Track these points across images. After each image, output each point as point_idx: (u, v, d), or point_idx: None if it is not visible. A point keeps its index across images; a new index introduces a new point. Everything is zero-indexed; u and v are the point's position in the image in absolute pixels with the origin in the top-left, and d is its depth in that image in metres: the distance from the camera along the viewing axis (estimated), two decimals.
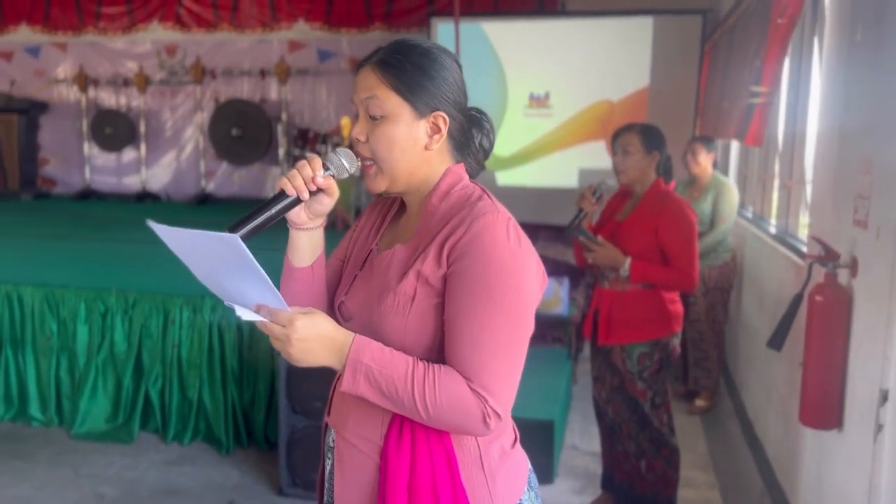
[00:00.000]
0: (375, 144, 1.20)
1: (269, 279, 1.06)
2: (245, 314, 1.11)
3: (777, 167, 3.96)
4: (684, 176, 4.31)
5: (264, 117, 8.60)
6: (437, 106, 1.21)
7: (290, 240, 1.28)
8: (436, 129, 1.22)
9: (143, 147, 9.05)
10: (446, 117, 1.22)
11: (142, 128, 9.02)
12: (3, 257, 4.74)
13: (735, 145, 5.13)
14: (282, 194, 1.18)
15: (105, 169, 9.32)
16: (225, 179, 8.96)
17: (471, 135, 1.29)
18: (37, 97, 9.27)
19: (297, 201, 1.19)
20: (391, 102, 1.19)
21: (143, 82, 8.90)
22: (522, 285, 1.14)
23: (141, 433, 3.78)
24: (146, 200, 8.87)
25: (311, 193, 1.19)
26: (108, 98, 9.20)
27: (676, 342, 2.83)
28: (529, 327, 1.17)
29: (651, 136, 2.78)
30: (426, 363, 1.13)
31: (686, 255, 2.68)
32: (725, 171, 5.14)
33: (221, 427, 3.63)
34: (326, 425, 1.35)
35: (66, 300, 3.80)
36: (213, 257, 1.10)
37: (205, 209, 8.25)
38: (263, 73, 8.61)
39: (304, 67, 8.48)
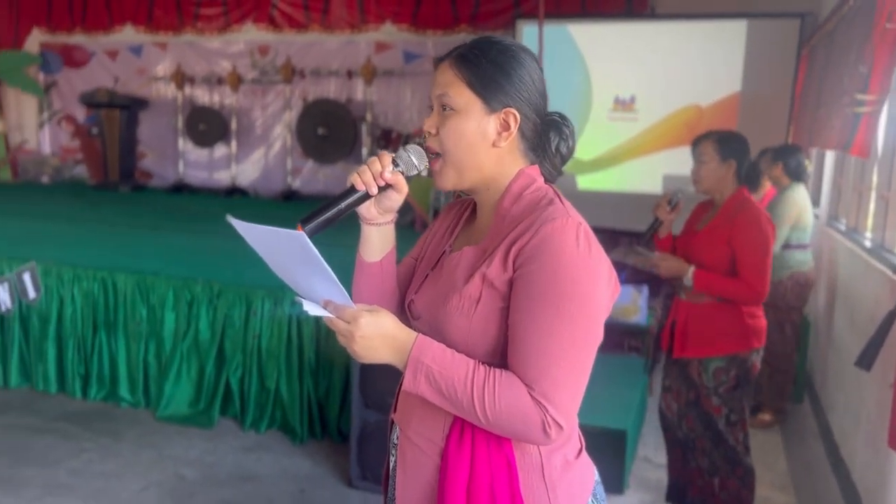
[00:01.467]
0: (444, 137, 1.21)
1: (334, 275, 1.08)
2: (312, 309, 1.13)
3: (875, 177, 3.76)
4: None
5: (350, 117, 8.77)
6: (508, 103, 1.20)
7: (361, 234, 1.30)
8: (505, 126, 1.21)
9: (233, 144, 9.38)
10: (517, 115, 1.21)
11: (233, 125, 9.34)
12: (101, 245, 5.00)
13: (830, 154, 4.90)
14: (352, 189, 1.20)
15: (197, 164, 9.71)
16: (310, 177, 9.18)
17: (547, 138, 1.27)
18: (138, 94, 9.73)
19: (367, 196, 1.21)
20: (463, 97, 1.20)
21: (236, 81, 9.21)
22: (591, 294, 1.11)
23: (220, 419, 3.91)
24: (235, 195, 9.18)
25: (380, 189, 1.21)
26: (203, 96, 9.57)
27: (756, 359, 2.72)
28: (597, 337, 1.14)
29: (728, 144, 2.70)
30: (487, 367, 1.13)
31: (754, 267, 2.59)
32: (819, 181, 4.91)
33: (297, 417, 3.72)
34: (392, 422, 1.36)
35: (156, 288, 3.98)
36: (285, 252, 1.13)
37: (290, 205, 8.47)
38: (350, 74, 8.77)
39: (390, 68, 8.59)
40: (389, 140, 7.95)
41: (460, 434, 1.17)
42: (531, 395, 1.09)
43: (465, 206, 1.38)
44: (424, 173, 1.26)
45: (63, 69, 10.12)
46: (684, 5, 6.58)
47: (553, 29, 6.39)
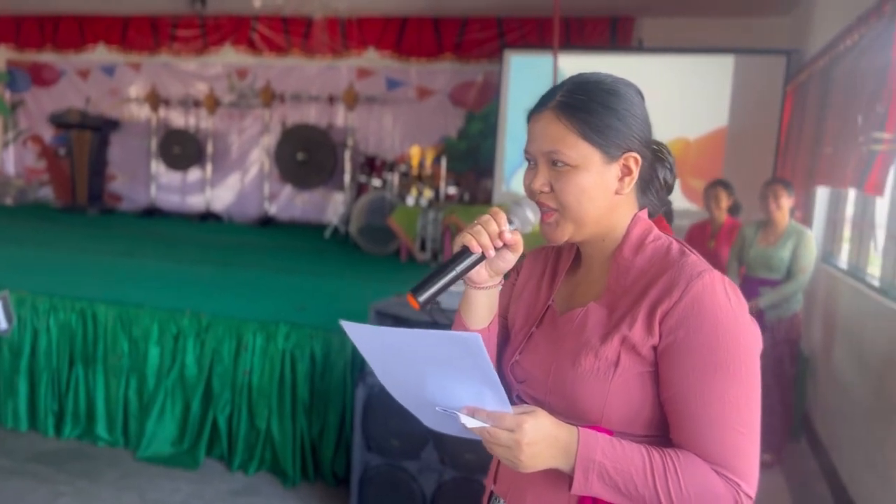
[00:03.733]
0: (563, 195, 1.09)
1: (497, 379, 0.97)
2: (468, 421, 1.00)
3: (882, 216, 3.75)
4: (753, 216, 4.14)
5: (330, 143, 8.64)
6: (628, 146, 1.09)
7: (465, 299, 1.16)
8: (627, 171, 1.10)
9: (208, 167, 9.17)
10: (638, 157, 1.10)
11: (209, 148, 9.14)
12: (77, 273, 4.77)
13: (822, 191, 4.92)
14: (465, 251, 1.08)
15: (170, 187, 9.47)
16: (287, 203, 9.01)
17: (655, 171, 1.17)
18: (110, 115, 9.49)
19: (481, 259, 1.09)
20: (579, 150, 1.07)
21: (213, 104, 9.04)
22: (752, 349, 1.02)
23: (206, 460, 3.70)
24: (209, 220, 8.96)
25: (496, 250, 1.09)
26: (178, 118, 9.37)
27: None
28: (760, 393, 1.04)
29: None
30: (661, 450, 1.01)
31: None
32: (810, 217, 4.92)
33: (289, 459, 3.53)
34: (492, 493, 1.22)
35: (139, 320, 3.78)
36: (422, 357, 1.01)
37: (266, 231, 8.28)
38: (331, 99, 8.67)
39: (372, 95, 8.51)
40: (374, 167, 7.84)
41: None
42: (718, 473, 0.99)
43: (558, 253, 1.25)
44: (534, 226, 1.14)
45: (31, 87, 9.83)
46: (671, 39, 6.63)
47: (540, 59, 6.38)
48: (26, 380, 3.95)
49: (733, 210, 4.48)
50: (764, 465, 4.00)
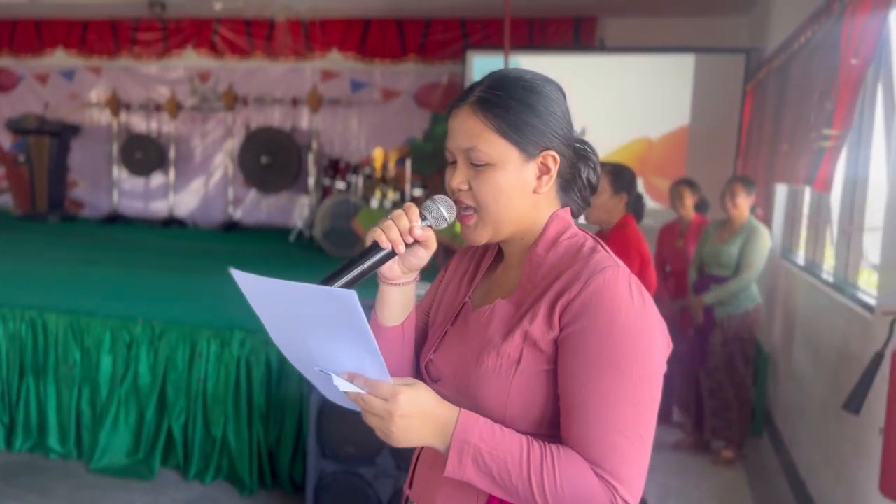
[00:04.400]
0: (480, 194, 1.07)
1: (376, 345, 0.94)
2: (341, 384, 0.98)
3: (836, 212, 3.78)
4: (720, 215, 4.16)
5: (294, 146, 8.56)
6: (546, 144, 1.07)
7: (379, 296, 1.14)
8: (545, 170, 1.08)
9: (171, 172, 9.04)
10: (556, 156, 1.08)
11: (171, 153, 9.01)
12: (29, 282, 4.66)
13: (781, 188, 4.96)
14: (375, 247, 1.06)
15: (133, 193, 9.32)
16: (252, 207, 8.91)
17: (577, 170, 1.14)
18: (69, 120, 9.31)
19: (392, 255, 1.06)
20: (497, 147, 1.05)
21: (175, 108, 8.91)
22: (649, 352, 0.98)
23: (161, 469, 3.63)
24: (172, 226, 8.82)
25: (407, 246, 1.06)
26: (139, 123, 9.23)
27: None
28: (657, 400, 1.01)
29: (621, 177, 2.86)
30: (542, 444, 0.97)
31: None
32: (770, 214, 4.96)
33: (245, 467, 3.47)
34: (407, 498, 1.19)
35: (91, 329, 3.69)
36: (304, 314, 0.98)
37: (231, 236, 8.18)
38: (295, 102, 8.59)
39: (336, 97, 8.45)
40: (337, 170, 7.77)
41: None
42: (597, 474, 0.95)
43: (484, 252, 1.23)
44: (449, 223, 1.11)
45: None
46: (633, 39, 6.66)
47: (502, 61, 6.36)
48: None
49: (701, 208, 4.49)
50: (725, 462, 4.03)
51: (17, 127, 8.97)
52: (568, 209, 1.13)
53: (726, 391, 4.04)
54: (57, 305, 3.84)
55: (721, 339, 3.98)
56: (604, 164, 2.80)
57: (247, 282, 0.99)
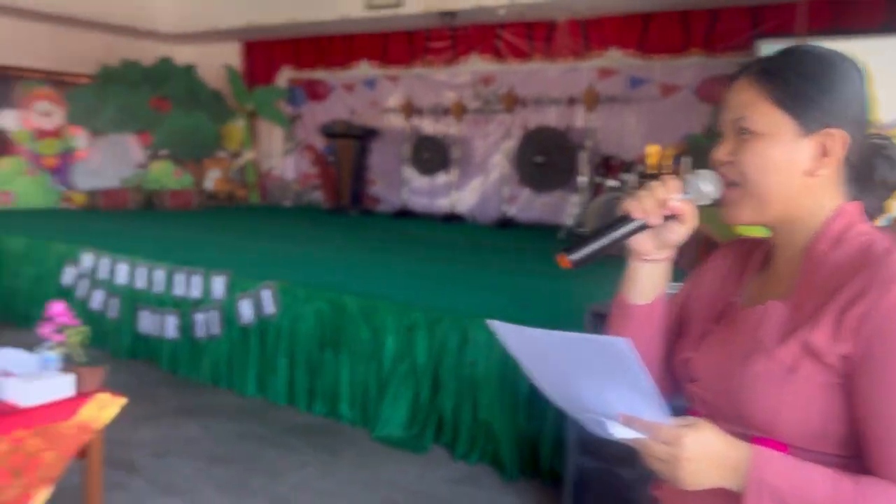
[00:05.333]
0: (745, 165, 0.99)
1: (654, 386, 0.91)
2: (618, 431, 0.95)
3: None
4: None
5: (568, 145, 8.65)
6: (829, 122, 0.97)
7: (628, 272, 1.10)
8: (824, 151, 0.98)
9: (454, 171, 9.64)
10: (842, 136, 0.97)
11: (455, 154, 9.61)
12: (332, 267, 5.29)
13: None
14: (626, 217, 1.02)
15: (420, 190, 10.11)
16: (526, 205, 9.17)
17: (871, 165, 1.02)
18: (370, 125, 10.38)
19: (644, 227, 1.03)
20: (770, 117, 0.98)
21: (460, 111, 9.48)
22: None
23: (433, 446, 3.90)
24: (453, 221, 9.41)
25: (663, 219, 1.03)
26: (428, 126, 9.98)
27: None
28: None
29: None
30: (852, 478, 0.88)
31: None
32: None
33: (508, 453, 3.60)
34: (655, 499, 1.16)
35: (378, 311, 4.09)
36: (570, 360, 0.95)
37: (505, 232, 8.50)
38: (571, 101, 8.67)
39: (613, 94, 8.36)
40: (609, 168, 7.70)
41: None
42: None
43: (752, 247, 1.14)
44: (710, 199, 1.05)
45: (307, 102, 11.07)
46: None
47: None
48: (286, 359, 4.47)
49: None
50: None
51: (329, 131, 10.28)
52: (859, 205, 1.01)
53: None
54: (353, 288, 4.33)
55: None
56: None
57: (506, 332, 0.98)
